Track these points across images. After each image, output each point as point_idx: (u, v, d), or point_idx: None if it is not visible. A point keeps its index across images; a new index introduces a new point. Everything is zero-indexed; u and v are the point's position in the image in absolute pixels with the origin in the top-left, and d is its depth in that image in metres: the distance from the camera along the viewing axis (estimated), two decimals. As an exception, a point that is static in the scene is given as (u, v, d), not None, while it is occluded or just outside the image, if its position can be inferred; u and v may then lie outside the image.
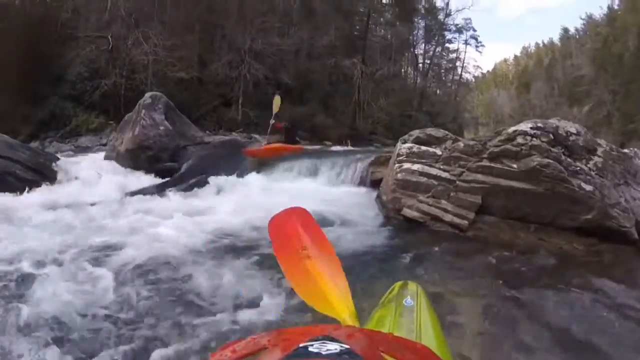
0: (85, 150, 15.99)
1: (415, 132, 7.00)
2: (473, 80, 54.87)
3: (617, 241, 5.65)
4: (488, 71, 70.64)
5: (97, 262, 4.48)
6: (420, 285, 1.76)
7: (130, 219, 6.22)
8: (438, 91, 44.49)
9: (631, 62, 41.93)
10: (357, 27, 33.38)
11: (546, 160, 5.57)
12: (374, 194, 7.65)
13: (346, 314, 1.28)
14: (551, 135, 5.83)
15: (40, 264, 4.32)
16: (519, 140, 5.76)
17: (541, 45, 69.49)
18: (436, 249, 5.39)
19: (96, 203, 7.36)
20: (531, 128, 5.83)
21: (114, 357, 2.87)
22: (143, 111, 11.22)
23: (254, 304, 3.61)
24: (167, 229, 5.67)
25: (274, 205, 6.34)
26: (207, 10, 23.99)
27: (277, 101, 9.16)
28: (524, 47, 75.24)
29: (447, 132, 6.98)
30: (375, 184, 8.00)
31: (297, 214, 1.73)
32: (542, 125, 5.92)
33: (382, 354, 0.66)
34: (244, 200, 7.51)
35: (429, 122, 29.36)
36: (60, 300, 3.53)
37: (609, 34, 48.45)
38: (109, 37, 20.69)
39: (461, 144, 6.36)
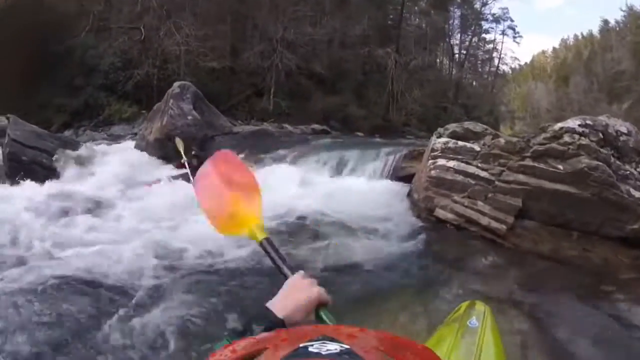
0: (117, 138, 16.09)
1: (452, 126, 6.56)
2: (510, 72, 53.51)
3: (664, 254, 5.16)
4: (526, 63, 68.55)
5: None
6: (489, 307, 1.71)
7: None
8: (474, 83, 43.24)
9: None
10: (391, 16, 32.65)
11: (595, 163, 5.11)
12: (406, 190, 7.31)
13: (254, 224, 1.20)
14: (600, 135, 5.37)
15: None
16: (566, 138, 5.28)
17: (580, 37, 67.32)
18: (471, 257, 5.07)
19: (112, 194, 7.22)
20: (579, 125, 5.36)
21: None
22: (171, 101, 11.12)
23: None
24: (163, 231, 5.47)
25: (300, 201, 6.11)
26: (238, 0, 23.76)
27: (179, 144, 8.69)
28: (562, 39, 73.06)
29: (486, 127, 6.53)
30: (408, 179, 7.61)
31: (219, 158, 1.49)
32: (591, 123, 5.44)
33: (382, 354, 0.64)
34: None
35: (464, 114, 28.74)
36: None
37: (650, 27, 46.49)
38: (142, 27, 20.79)
39: (502, 140, 5.89)
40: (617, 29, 56.77)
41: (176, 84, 12.02)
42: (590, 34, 63.62)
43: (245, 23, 24.46)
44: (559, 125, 5.54)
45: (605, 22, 59.75)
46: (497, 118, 40.85)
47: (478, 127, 6.45)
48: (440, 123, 23.61)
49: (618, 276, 4.74)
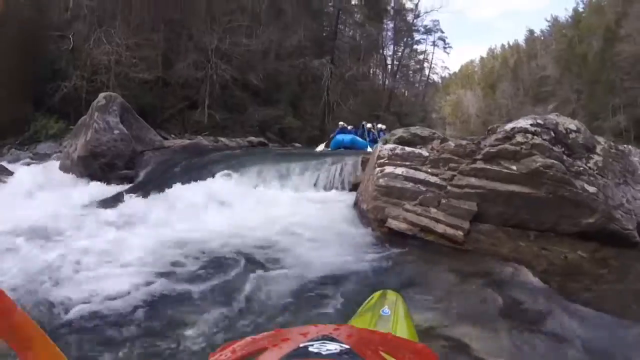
0: (43, 157, 14.92)
1: (398, 131, 6.37)
2: (440, 81, 55.08)
3: (619, 245, 5.20)
4: (455, 72, 71.02)
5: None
6: (400, 294, 1.75)
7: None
8: (406, 92, 44.34)
9: (595, 62, 43.10)
10: (326, 28, 32.94)
11: (549, 161, 5.02)
12: (347, 198, 7.05)
13: None
14: (552, 133, 5.29)
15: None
16: (518, 138, 5.16)
17: (507, 46, 70.37)
18: (428, 265, 4.81)
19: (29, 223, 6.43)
20: (531, 125, 5.27)
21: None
22: (96, 114, 10.22)
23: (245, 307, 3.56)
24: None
25: (241, 214, 5.71)
26: (173, 8, 23.01)
27: None
28: (490, 49, 76.07)
29: (433, 131, 6.37)
30: (352, 188, 7.37)
31: None
32: (542, 122, 5.37)
33: (382, 354, 0.65)
34: (207, 211, 6.80)
35: (397, 122, 29.27)
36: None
37: (573, 35, 49.37)
38: (71, 36, 19.66)
39: (451, 144, 5.69)
40: (542, 38, 60.06)
41: (101, 95, 11.08)
42: (517, 43, 66.78)
43: (180, 32, 23.69)
44: (510, 125, 5.43)
45: (531, 31, 63.28)
46: (429, 125, 41.74)
47: (425, 131, 6.28)
48: (373, 132, 23.73)
49: (579, 273, 4.67)
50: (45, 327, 3.12)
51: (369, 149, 13.38)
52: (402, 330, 1.47)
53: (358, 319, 1.62)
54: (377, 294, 1.79)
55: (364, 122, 16.46)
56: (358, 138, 15.11)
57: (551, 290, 4.19)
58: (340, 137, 15.03)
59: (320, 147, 16.58)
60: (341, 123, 16.63)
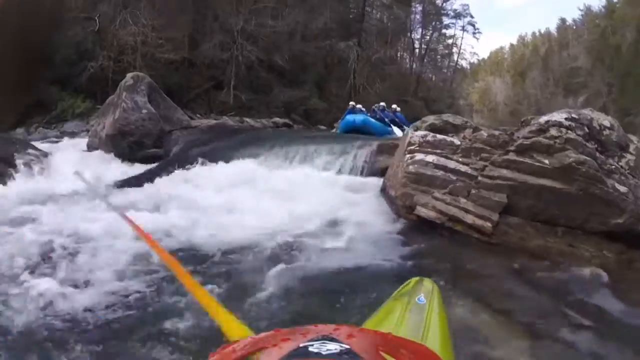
0: (71, 135, 15.22)
1: (430, 118, 6.24)
2: (468, 67, 54.13)
3: (645, 247, 5.06)
4: (484, 59, 69.64)
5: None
6: (436, 284, 1.71)
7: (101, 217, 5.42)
8: (434, 77, 43.67)
9: (628, 54, 41.48)
10: (353, 10, 32.48)
11: (582, 157, 4.88)
12: (375, 183, 7.02)
13: None
14: (586, 129, 5.14)
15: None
16: (553, 132, 5.01)
17: (537, 34, 68.68)
18: (458, 257, 4.77)
19: (61, 198, 6.54)
20: (566, 119, 5.11)
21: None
22: (124, 93, 10.37)
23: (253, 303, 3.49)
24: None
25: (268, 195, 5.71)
26: (199, -10, 22.97)
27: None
28: (520, 36, 73.79)
29: (466, 120, 6.23)
30: (381, 174, 7.26)
31: None
32: (576, 117, 5.21)
33: (382, 354, 0.65)
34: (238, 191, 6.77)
35: (425, 108, 29.02)
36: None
37: (607, 26, 47.68)
38: (96, 18, 19.68)
39: (484, 134, 5.57)
40: (574, 27, 58.23)
41: (129, 75, 11.22)
42: (548, 32, 65.00)
43: (206, 14, 23.65)
44: (545, 118, 5.27)
45: (563, 20, 61.21)
46: (457, 112, 41.27)
47: (458, 119, 6.15)
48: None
49: (604, 275, 4.51)
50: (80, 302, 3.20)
51: (398, 133, 13.00)
52: (435, 321, 1.44)
53: (392, 302, 1.61)
54: (413, 280, 1.77)
55: (381, 104, 15.43)
56: (371, 119, 14.11)
57: (574, 290, 4.17)
58: (350, 117, 14.05)
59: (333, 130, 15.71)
60: (352, 103, 15.55)
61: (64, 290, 3.51)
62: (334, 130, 16.07)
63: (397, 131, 14.22)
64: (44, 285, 3.53)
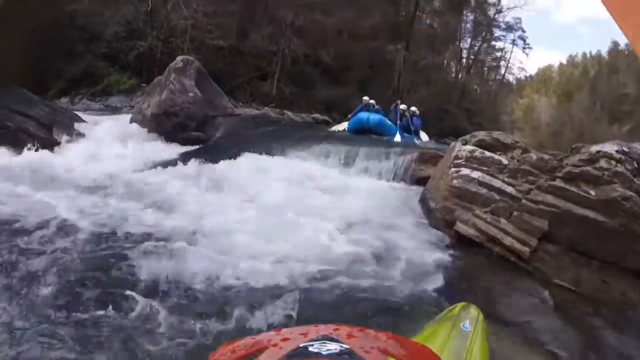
0: (114, 110, 15.76)
1: (480, 134, 6.16)
2: (515, 82, 53.01)
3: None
4: (531, 75, 68.18)
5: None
6: (481, 311, 1.71)
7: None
8: (478, 89, 42.96)
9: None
10: (403, 13, 32.17)
11: (629, 193, 4.80)
12: (415, 191, 6.99)
13: None
14: (635, 164, 5.04)
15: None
16: (602, 163, 4.95)
17: (588, 56, 66.89)
18: (492, 279, 4.75)
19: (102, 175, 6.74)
20: (617, 152, 5.03)
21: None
22: (173, 75, 10.58)
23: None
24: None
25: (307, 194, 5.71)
26: (250, -20, 23.12)
27: None
28: (570, 56, 72.17)
29: (516, 139, 6.13)
30: (420, 182, 7.26)
31: None
32: (627, 150, 5.13)
33: (382, 353, 0.65)
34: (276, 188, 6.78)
35: (466, 119, 28.54)
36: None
37: (658, 54, 46.05)
38: (149, -1, 20.05)
39: (533, 156, 5.49)
40: (627, 52, 56.33)
41: (179, 57, 11.47)
42: (599, 54, 63.19)
43: (257, 5, 23.80)
44: (596, 148, 5.21)
45: (615, 43, 59.26)
46: (499, 127, 40.49)
47: (508, 138, 6.06)
48: (442, 125, 23.13)
49: (634, 316, 4.48)
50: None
51: (397, 138, 11.98)
52: (477, 350, 1.44)
53: (436, 325, 1.63)
54: (460, 305, 1.77)
55: (398, 101, 14.02)
56: (388, 121, 12.80)
57: (605, 327, 4.13)
58: (364, 115, 12.55)
59: (338, 127, 14.29)
60: (365, 98, 13.92)
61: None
62: (335, 128, 14.51)
63: (424, 136, 13.49)
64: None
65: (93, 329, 3.03)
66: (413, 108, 14.11)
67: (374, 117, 12.41)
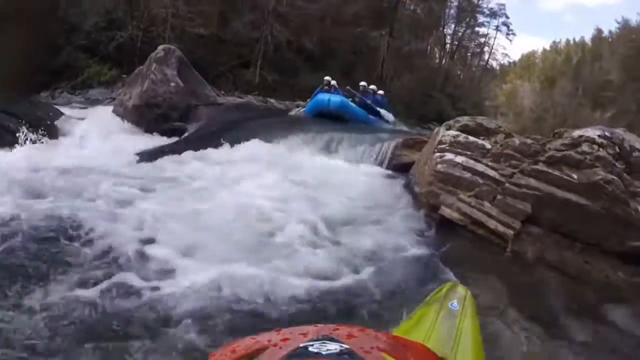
0: (95, 103, 15.32)
1: (464, 119, 6.24)
2: (498, 68, 53.20)
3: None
4: (515, 61, 68.41)
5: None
6: (469, 291, 1.71)
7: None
8: (461, 75, 43.05)
9: (663, 74, 40.28)
10: (387, -1, 32.09)
11: (610, 176, 4.87)
12: (400, 177, 7.04)
13: None
14: (617, 148, 5.16)
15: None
16: (585, 147, 5.04)
17: (572, 42, 67.20)
18: (477, 260, 4.86)
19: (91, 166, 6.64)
20: (599, 136, 5.14)
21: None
22: (154, 65, 10.44)
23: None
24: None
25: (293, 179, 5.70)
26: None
27: None
28: (554, 42, 72.33)
29: (499, 124, 6.19)
30: (403, 168, 7.32)
31: None
32: (609, 135, 5.25)
33: (382, 353, 0.66)
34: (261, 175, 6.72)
35: (450, 104, 28.72)
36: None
37: (643, 43, 46.24)
38: (128, -14, 19.66)
39: (516, 141, 5.56)
40: (610, 39, 56.59)
41: (160, 47, 11.32)
42: (582, 41, 63.50)
43: (238, -10, 23.54)
44: (578, 132, 5.32)
45: (599, 31, 59.59)
46: (482, 112, 40.69)
47: (492, 123, 6.16)
48: (426, 111, 23.17)
49: (617, 297, 4.60)
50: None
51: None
52: (468, 328, 1.45)
53: (425, 308, 1.62)
54: (447, 285, 1.76)
55: (363, 83, 13.35)
56: (351, 103, 12.00)
57: (588, 306, 4.28)
58: (324, 97, 11.65)
59: (297, 110, 13.59)
60: (327, 78, 12.89)
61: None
62: (294, 112, 13.68)
63: (389, 116, 13.16)
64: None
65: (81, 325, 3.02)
66: (372, 86, 13.70)
67: (335, 98, 11.61)
